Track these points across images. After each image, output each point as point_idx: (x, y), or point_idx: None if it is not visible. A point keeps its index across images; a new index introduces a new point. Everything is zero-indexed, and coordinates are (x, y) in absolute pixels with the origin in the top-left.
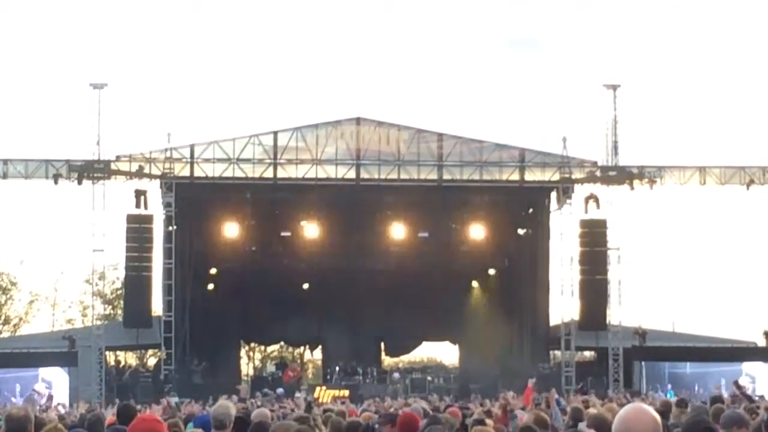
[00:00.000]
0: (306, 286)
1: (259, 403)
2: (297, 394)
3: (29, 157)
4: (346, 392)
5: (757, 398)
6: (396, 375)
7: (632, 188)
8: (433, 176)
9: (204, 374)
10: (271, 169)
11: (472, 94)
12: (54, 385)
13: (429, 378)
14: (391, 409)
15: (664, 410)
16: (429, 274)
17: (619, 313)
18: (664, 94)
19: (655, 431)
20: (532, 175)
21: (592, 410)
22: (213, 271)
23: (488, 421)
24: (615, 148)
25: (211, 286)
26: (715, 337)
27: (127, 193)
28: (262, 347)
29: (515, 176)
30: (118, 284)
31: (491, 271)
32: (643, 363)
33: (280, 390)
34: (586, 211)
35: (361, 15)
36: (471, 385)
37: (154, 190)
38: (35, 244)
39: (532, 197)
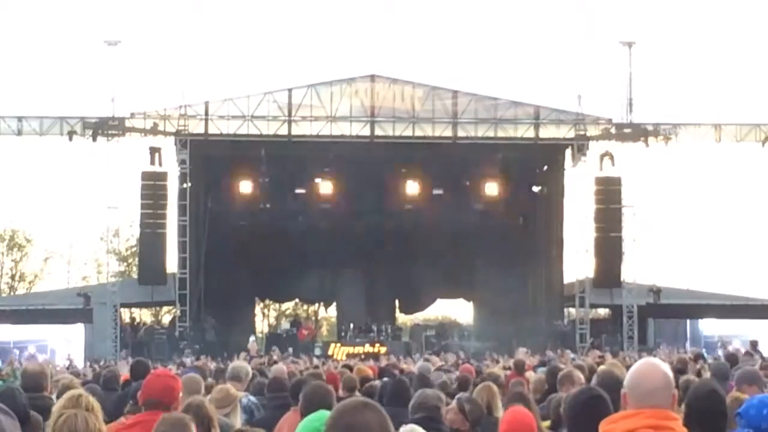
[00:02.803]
0: (320, 243)
1: (275, 358)
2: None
3: (44, 114)
4: (384, 348)
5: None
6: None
7: (647, 145)
8: (448, 133)
9: (217, 331)
10: (285, 126)
11: (487, 50)
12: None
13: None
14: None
15: (681, 367)
16: (443, 231)
17: (633, 271)
18: (680, 51)
19: (666, 385)
20: (547, 132)
21: (603, 368)
22: (227, 228)
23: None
24: (630, 105)
25: (225, 244)
26: (730, 295)
27: (141, 150)
28: (277, 305)
29: (530, 133)
30: (133, 241)
31: (505, 229)
32: (688, 323)
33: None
34: (601, 169)
35: None
36: (485, 343)
37: (168, 147)
38: (50, 201)
39: (546, 154)
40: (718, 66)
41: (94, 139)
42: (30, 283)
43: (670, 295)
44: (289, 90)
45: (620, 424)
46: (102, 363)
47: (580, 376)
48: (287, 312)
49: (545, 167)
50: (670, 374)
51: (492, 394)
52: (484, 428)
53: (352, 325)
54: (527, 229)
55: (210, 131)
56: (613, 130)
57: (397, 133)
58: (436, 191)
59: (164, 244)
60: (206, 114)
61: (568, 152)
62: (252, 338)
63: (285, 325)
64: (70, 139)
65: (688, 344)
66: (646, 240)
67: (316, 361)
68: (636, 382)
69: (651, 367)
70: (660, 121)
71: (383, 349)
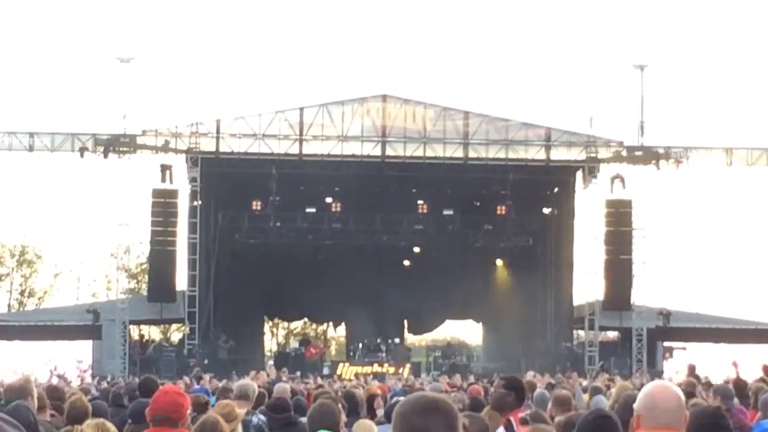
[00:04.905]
0: (330, 262)
1: (284, 378)
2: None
3: (55, 130)
4: (408, 367)
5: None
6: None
7: (658, 168)
8: (459, 154)
9: (229, 350)
10: (296, 145)
11: (499, 72)
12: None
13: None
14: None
15: (690, 390)
16: (453, 252)
17: (643, 294)
18: (692, 74)
19: (680, 407)
20: (558, 154)
21: (613, 390)
22: (237, 246)
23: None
24: (641, 128)
25: (235, 262)
26: (740, 319)
27: (152, 167)
28: (286, 323)
29: (541, 155)
30: (143, 258)
31: (515, 250)
32: None
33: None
34: (612, 191)
35: None
36: (494, 364)
37: (179, 164)
38: (60, 217)
39: (557, 176)
40: (730, 90)
41: (106, 156)
42: (39, 299)
43: (679, 319)
44: (301, 109)
45: None
46: (109, 379)
47: (570, 398)
48: (296, 331)
49: (556, 189)
50: (683, 396)
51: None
52: None
53: (360, 345)
54: (537, 251)
55: (221, 149)
56: (624, 153)
57: (408, 154)
58: (446, 212)
59: (174, 262)
60: (217, 132)
61: (579, 174)
62: (270, 362)
63: (294, 344)
64: (82, 155)
65: None
66: (656, 263)
67: (320, 380)
68: (652, 403)
69: (665, 389)
70: (671, 145)
71: (407, 368)
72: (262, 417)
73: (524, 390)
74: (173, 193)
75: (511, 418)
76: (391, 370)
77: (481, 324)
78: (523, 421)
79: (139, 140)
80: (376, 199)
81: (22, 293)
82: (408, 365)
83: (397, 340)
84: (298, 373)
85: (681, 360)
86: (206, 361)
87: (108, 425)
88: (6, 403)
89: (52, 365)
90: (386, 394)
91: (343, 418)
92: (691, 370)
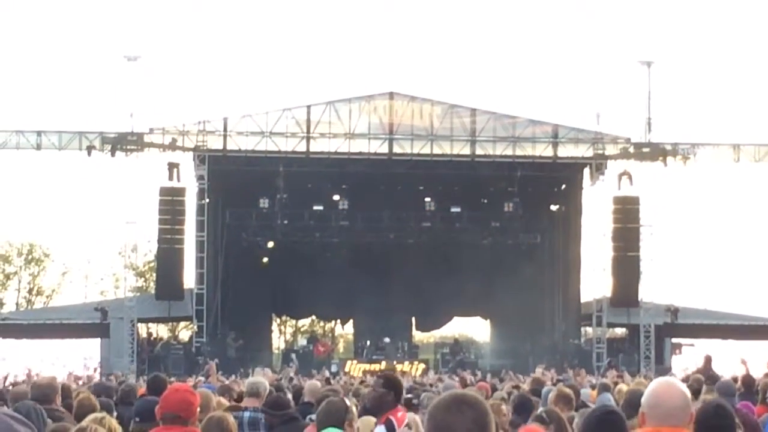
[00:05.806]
0: (337, 260)
1: (291, 375)
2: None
3: (63, 128)
4: (423, 366)
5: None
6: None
7: (666, 165)
8: (466, 151)
9: (239, 348)
10: (303, 142)
11: (506, 69)
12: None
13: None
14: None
15: (697, 387)
16: (460, 249)
17: (651, 290)
18: (699, 70)
19: (684, 404)
20: (566, 151)
21: (622, 387)
22: (245, 244)
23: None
24: (649, 124)
25: (242, 260)
26: (748, 315)
27: (160, 165)
28: (293, 321)
29: (548, 152)
30: (151, 257)
31: (523, 247)
32: None
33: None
34: (619, 188)
35: None
36: (501, 361)
37: (187, 162)
38: (68, 215)
39: (565, 173)
40: (737, 86)
41: (113, 154)
42: (47, 297)
43: (687, 315)
44: (308, 107)
45: None
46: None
47: (571, 395)
48: (303, 329)
49: (563, 186)
50: (688, 393)
51: (498, 412)
52: None
53: (368, 342)
54: (545, 248)
55: (228, 147)
56: (631, 149)
57: (416, 151)
58: (453, 209)
59: (182, 260)
60: (225, 130)
61: (587, 171)
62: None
63: (301, 341)
64: (89, 153)
65: None
66: (663, 259)
67: (327, 374)
68: (655, 401)
69: (670, 387)
70: (678, 141)
71: (422, 366)
72: None
73: (402, 389)
74: (180, 191)
75: (391, 417)
76: (400, 367)
77: (488, 321)
78: (539, 419)
79: (147, 138)
80: (383, 197)
81: (30, 291)
82: (416, 362)
83: (387, 339)
84: (294, 364)
85: (689, 356)
86: (217, 360)
87: (110, 419)
88: (33, 400)
89: (67, 370)
90: None
91: (354, 414)
92: (708, 361)
